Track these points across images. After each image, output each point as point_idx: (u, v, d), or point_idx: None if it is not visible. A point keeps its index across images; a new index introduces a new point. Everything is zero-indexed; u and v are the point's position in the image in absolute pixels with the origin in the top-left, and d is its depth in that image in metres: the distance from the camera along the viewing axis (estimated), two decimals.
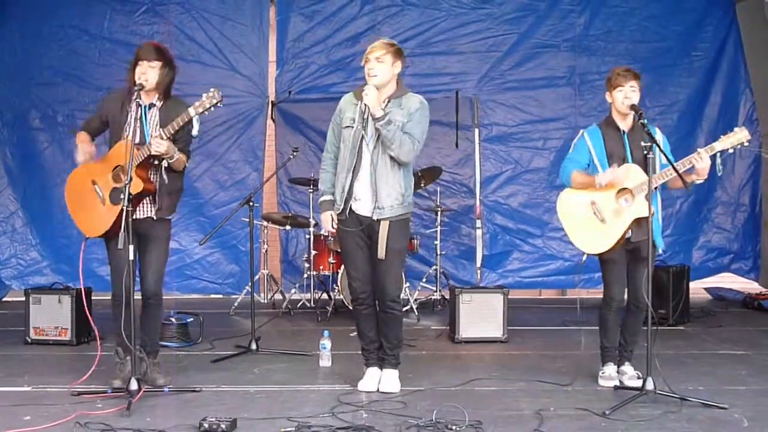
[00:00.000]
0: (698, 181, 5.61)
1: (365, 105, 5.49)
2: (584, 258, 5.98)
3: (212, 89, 5.53)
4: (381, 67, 5.55)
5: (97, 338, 5.89)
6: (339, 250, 8.77)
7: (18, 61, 10.12)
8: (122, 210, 5.28)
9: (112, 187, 5.61)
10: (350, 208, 5.63)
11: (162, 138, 5.48)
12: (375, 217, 5.57)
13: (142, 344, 5.82)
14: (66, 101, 10.12)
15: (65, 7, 10.13)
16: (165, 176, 5.63)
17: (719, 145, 5.53)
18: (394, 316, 5.73)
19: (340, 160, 5.68)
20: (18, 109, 10.20)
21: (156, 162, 5.61)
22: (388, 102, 5.59)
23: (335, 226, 5.71)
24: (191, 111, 5.49)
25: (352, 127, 5.59)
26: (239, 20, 10.29)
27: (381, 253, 5.59)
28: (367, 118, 5.53)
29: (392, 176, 5.59)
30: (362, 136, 5.57)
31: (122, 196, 5.25)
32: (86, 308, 6.39)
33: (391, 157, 5.54)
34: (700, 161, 5.46)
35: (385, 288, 5.67)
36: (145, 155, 5.50)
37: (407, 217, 5.76)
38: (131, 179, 5.26)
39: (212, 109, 5.52)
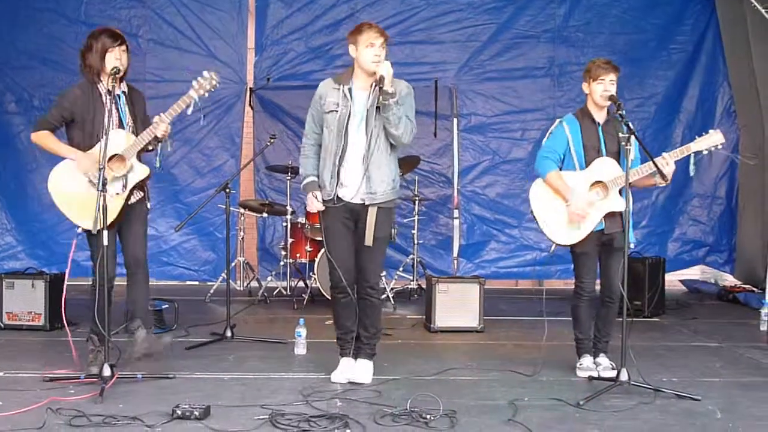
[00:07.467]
0: (660, 185, 5.65)
1: (349, 90, 5.44)
2: (552, 248, 5.95)
3: (207, 72, 5.61)
4: (383, 53, 5.43)
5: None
6: (316, 238, 8.86)
7: None
8: (128, 196, 5.62)
9: (112, 177, 5.52)
10: (337, 194, 5.52)
11: (165, 122, 5.54)
12: (367, 203, 5.48)
13: (136, 315, 5.80)
14: (42, 85, 9.99)
15: None
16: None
17: (695, 146, 5.57)
18: (372, 303, 5.64)
19: (324, 146, 5.56)
20: None
21: (150, 148, 5.71)
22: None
23: (321, 208, 5.58)
24: (193, 94, 5.56)
25: (337, 111, 5.46)
26: (218, 6, 10.22)
27: (369, 239, 5.51)
28: (353, 101, 5.44)
29: (385, 161, 5.53)
30: (347, 120, 5.46)
31: (124, 184, 5.46)
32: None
33: (389, 142, 5.49)
34: (666, 166, 5.48)
35: (365, 274, 5.58)
36: (148, 140, 5.56)
37: (395, 203, 5.71)
38: (109, 167, 5.32)
39: (211, 90, 5.60)
